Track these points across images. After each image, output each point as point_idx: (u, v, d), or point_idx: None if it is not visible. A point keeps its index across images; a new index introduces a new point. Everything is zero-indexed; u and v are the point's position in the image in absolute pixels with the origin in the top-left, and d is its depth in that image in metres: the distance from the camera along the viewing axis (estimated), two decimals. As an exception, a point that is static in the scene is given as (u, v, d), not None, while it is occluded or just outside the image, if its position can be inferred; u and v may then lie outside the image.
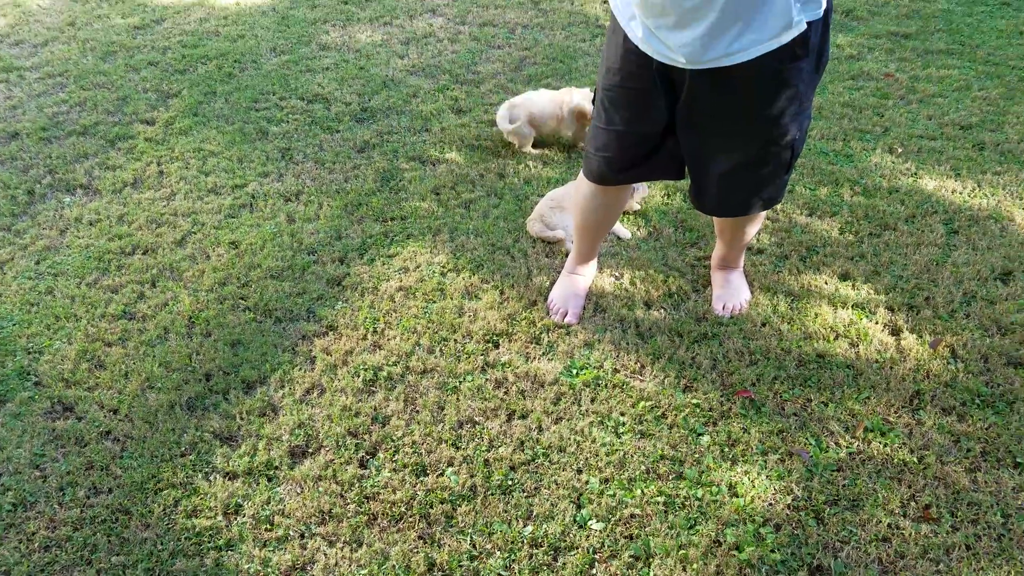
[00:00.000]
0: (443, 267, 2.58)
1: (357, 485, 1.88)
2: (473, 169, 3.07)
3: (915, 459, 1.87)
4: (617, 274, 2.53)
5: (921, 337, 2.21)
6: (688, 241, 2.67)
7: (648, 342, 2.26)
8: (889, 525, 1.74)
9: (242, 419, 2.07)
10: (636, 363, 2.19)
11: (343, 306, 2.43)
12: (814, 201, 2.81)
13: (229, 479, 1.92)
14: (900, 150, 3.09)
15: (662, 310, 2.38)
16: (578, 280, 2.42)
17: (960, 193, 2.82)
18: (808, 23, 1.56)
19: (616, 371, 2.17)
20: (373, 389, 2.15)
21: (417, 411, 2.08)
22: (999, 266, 2.46)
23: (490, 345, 2.27)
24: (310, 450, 1.99)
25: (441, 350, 2.26)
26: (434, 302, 2.44)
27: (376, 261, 2.62)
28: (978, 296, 2.35)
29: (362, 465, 1.95)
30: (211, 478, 1.92)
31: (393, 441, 1.99)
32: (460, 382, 2.15)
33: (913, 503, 1.78)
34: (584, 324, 2.33)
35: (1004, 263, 2.47)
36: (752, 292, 2.40)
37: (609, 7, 1.80)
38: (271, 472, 1.93)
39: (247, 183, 3.04)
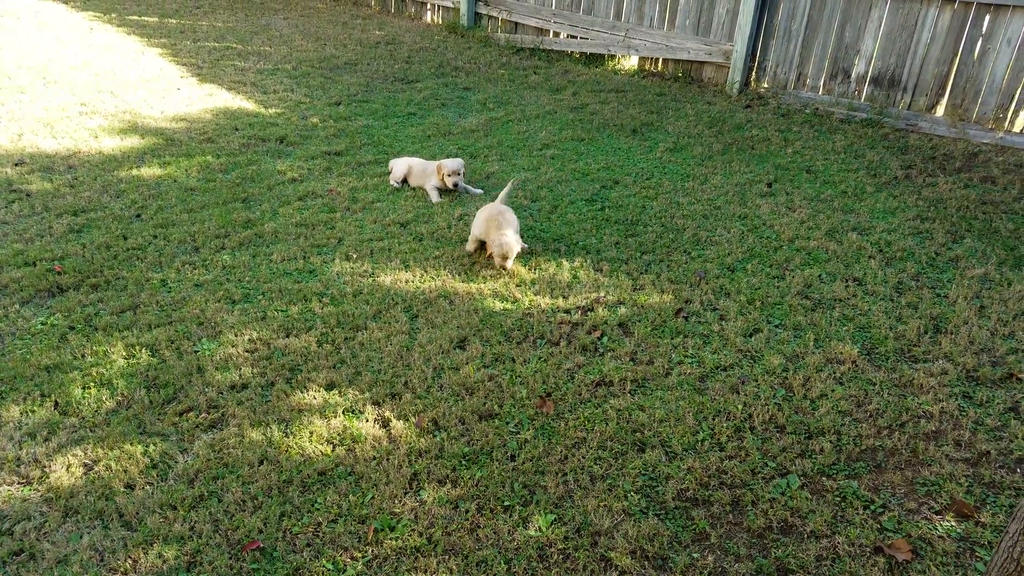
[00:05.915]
0: None
1: None
2: None
3: (425, 540, 1.94)
4: (88, 462, 2.15)
5: (408, 421, 2.36)
6: (165, 398, 2.42)
7: (138, 530, 1.94)
8: (418, 618, 1.76)
9: None
10: (126, 561, 1.85)
11: None
12: (288, 321, 2.84)
13: None
14: (355, 255, 3.35)
15: (148, 486, 2.08)
16: None
17: (412, 281, 3.17)
18: None
19: (99, 582, 1.80)
20: None
21: None
22: (455, 336, 2.80)
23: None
24: None
25: None
26: None
27: None
28: (445, 367, 2.63)
29: None
30: None
31: None
32: None
33: (433, 585, 1.84)
34: (52, 539, 1.90)
35: (458, 332, 2.82)
36: (245, 433, 2.27)
37: None
38: None
39: None
